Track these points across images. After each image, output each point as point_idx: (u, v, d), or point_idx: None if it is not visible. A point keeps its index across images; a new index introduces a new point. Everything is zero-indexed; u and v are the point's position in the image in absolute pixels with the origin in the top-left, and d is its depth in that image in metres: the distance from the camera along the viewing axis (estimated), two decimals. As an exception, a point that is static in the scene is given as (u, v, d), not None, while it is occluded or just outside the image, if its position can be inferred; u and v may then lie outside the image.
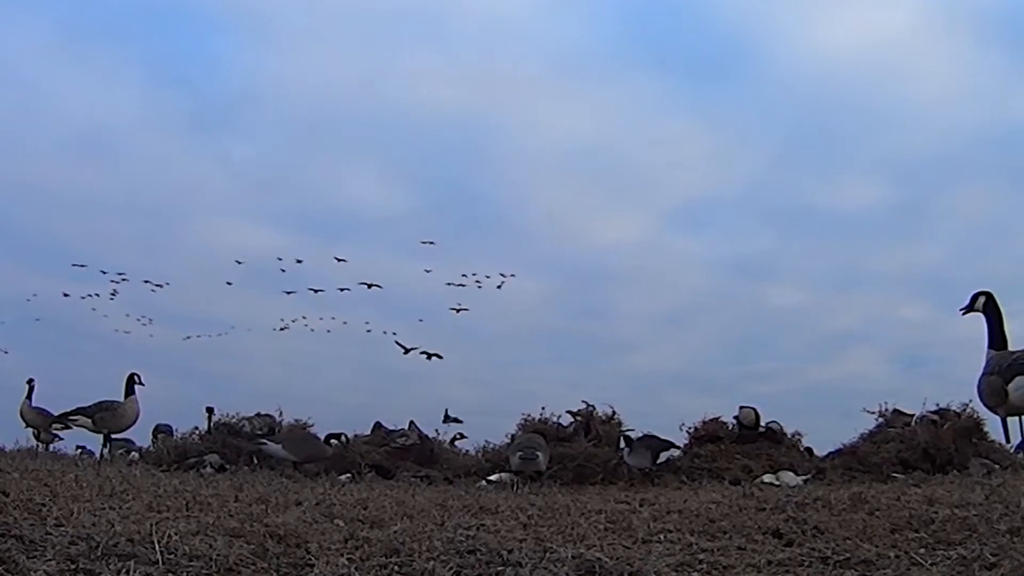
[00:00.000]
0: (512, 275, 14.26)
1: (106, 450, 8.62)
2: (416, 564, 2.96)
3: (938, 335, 14.97)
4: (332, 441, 8.77)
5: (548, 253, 14.98)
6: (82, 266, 14.26)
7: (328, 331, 14.61)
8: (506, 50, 20.99)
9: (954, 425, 8.63)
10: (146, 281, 14.06)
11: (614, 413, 9.46)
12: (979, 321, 4.38)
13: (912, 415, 9.24)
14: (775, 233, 19.63)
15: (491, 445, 9.32)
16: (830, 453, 8.83)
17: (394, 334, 13.39)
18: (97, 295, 13.99)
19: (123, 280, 13.87)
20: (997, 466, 7.72)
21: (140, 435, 10.30)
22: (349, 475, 8.05)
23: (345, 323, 14.68)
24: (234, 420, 9.97)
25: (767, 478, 7.52)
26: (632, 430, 8.98)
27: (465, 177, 19.84)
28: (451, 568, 2.91)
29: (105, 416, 8.31)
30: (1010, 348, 4.26)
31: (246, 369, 16.45)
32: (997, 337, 4.30)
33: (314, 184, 20.29)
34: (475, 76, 20.47)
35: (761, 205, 20.03)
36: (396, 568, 2.93)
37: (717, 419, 9.41)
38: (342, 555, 3.04)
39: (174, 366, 15.91)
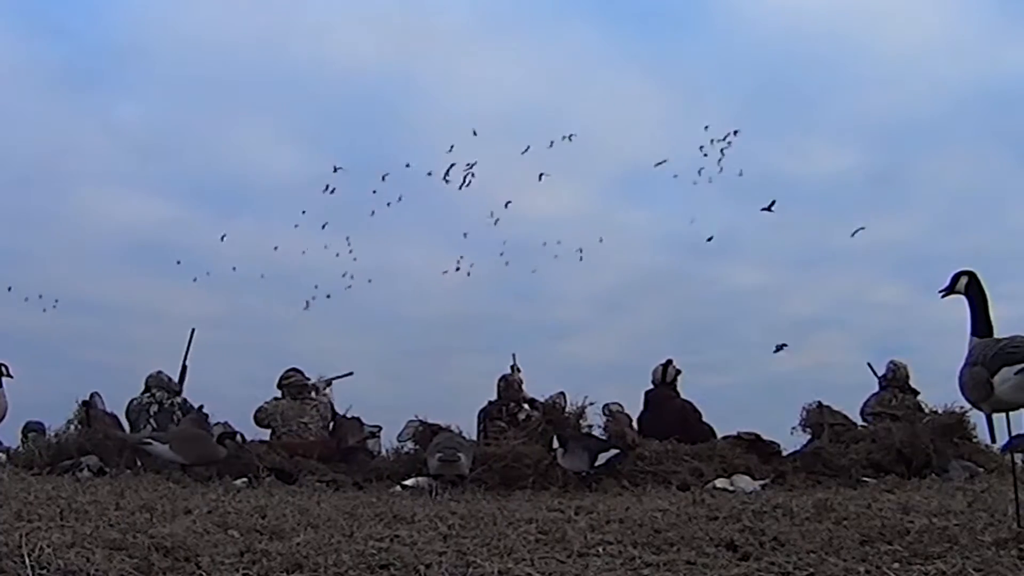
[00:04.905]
0: None
1: (-31, 452, 8.46)
2: (321, 581, 2.96)
3: (915, 320, 15.21)
4: (226, 441, 8.64)
5: (473, 227, 14.85)
6: None
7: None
8: (427, -3, 20.61)
9: (933, 422, 8.78)
10: None
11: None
12: (961, 304, 4.42)
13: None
14: (732, 205, 19.66)
15: (406, 447, 9.25)
16: (792, 453, 8.88)
17: None
18: None
19: None
20: (981, 469, 7.86)
21: (7, 434, 10.09)
22: (245, 479, 7.93)
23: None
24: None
25: (720, 483, 7.59)
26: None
27: (378, 141, 19.48)
28: (361, 585, 2.92)
29: (-33, 413, 8.14)
30: (996, 335, 4.31)
31: (132, 359, 16.14)
32: (981, 323, 4.33)
33: (207, 148, 19.84)
34: (391, 27, 20.03)
35: (717, 174, 20.08)
36: (298, 584, 2.93)
37: None
38: (237, 570, 3.04)
39: (46, 355, 15.52)
